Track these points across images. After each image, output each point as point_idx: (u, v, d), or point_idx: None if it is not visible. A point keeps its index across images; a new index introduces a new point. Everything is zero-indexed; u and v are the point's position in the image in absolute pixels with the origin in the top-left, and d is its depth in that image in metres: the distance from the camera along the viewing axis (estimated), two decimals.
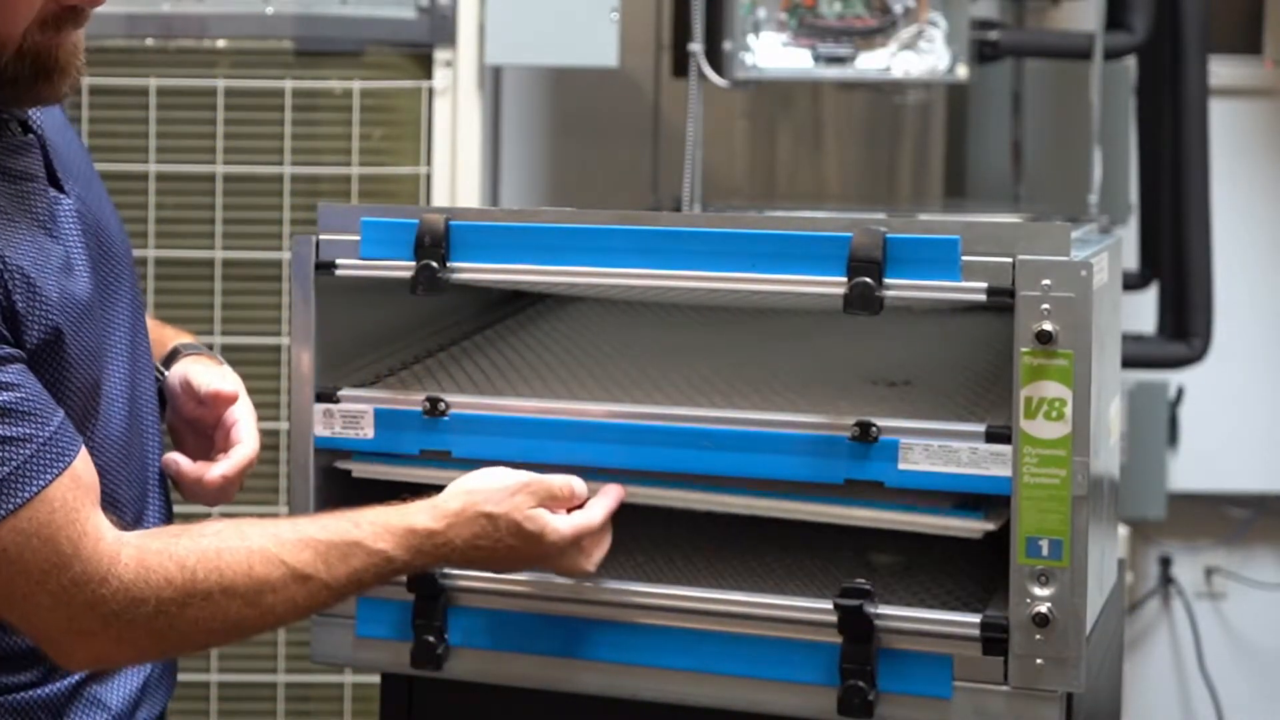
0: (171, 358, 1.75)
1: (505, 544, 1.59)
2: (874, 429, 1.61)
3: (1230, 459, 3.81)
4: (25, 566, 1.40)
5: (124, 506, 1.58)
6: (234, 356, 2.88)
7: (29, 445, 1.40)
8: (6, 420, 1.40)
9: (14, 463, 1.39)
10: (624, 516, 1.68)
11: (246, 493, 1.74)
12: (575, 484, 1.64)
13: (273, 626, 1.53)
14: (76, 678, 1.55)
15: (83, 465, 1.44)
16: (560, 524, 1.61)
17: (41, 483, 1.41)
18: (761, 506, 1.67)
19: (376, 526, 1.55)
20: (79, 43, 1.50)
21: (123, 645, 1.46)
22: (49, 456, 1.41)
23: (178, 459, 1.69)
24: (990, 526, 1.59)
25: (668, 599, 1.67)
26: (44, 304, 1.46)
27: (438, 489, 1.61)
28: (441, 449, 1.74)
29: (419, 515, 1.57)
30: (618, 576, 1.70)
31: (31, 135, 1.54)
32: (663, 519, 1.85)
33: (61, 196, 1.55)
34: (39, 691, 1.53)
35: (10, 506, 1.39)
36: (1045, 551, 1.55)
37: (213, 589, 1.47)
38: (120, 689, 1.59)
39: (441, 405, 1.74)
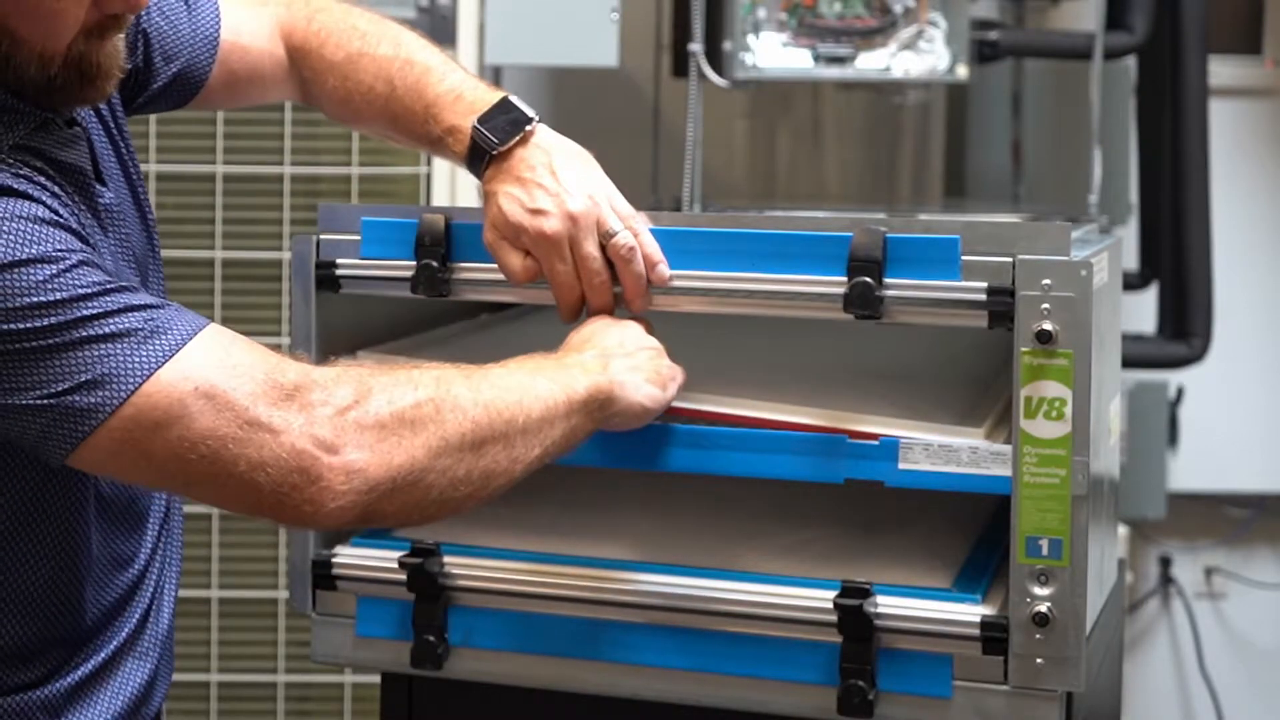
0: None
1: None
2: (874, 429, 1.61)
3: (1230, 459, 3.81)
4: (224, 398, 1.36)
5: (141, 516, 1.59)
6: None
7: (158, 312, 1.39)
8: (133, 296, 1.39)
9: (155, 322, 1.38)
10: (627, 485, 1.67)
11: None
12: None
13: (500, 420, 1.47)
14: (75, 678, 1.54)
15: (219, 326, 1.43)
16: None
17: (192, 329, 1.38)
18: (755, 593, 1.67)
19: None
20: (119, 45, 1.51)
21: (364, 449, 1.38)
22: (185, 317, 1.40)
23: None
24: (986, 611, 1.59)
25: (668, 599, 1.67)
26: None
27: None
28: None
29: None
30: (615, 579, 1.70)
31: (78, 128, 1.55)
32: (664, 489, 1.85)
33: (104, 190, 1.57)
34: (38, 692, 1.52)
35: (173, 345, 1.36)
36: (1045, 551, 1.56)
37: (411, 372, 1.45)
38: (118, 690, 1.59)
39: None
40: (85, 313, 1.36)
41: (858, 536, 1.78)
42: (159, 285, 1.67)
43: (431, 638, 1.73)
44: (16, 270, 1.35)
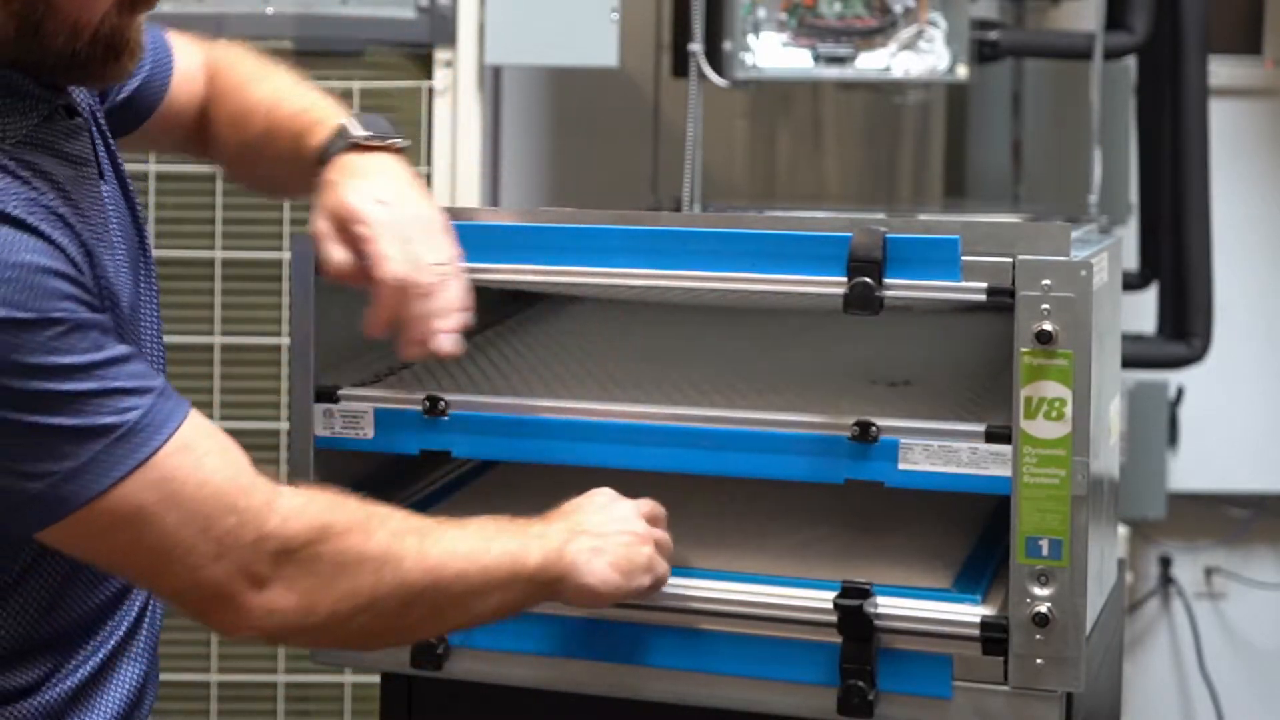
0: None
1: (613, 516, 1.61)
2: (874, 429, 1.61)
3: (1230, 459, 3.81)
4: (182, 517, 1.36)
5: None
6: (234, 356, 2.89)
7: (140, 406, 1.37)
8: (119, 376, 1.37)
9: (130, 420, 1.36)
10: (627, 485, 1.68)
11: None
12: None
13: (436, 588, 1.48)
14: (73, 683, 1.53)
15: (199, 416, 1.42)
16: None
17: (168, 430, 1.38)
18: (755, 594, 1.67)
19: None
20: (142, 22, 1.49)
21: (293, 592, 1.41)
22: (163, 413, 1.38)
23: None
24: (986, 611, 1.59)
25: (668, 599, 1.67)
26: (109, 292, 1.47)
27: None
28: (441, 449, 1.74)
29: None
30: None
31: (80, 119, 1.53)
32: (665, 489, 1.85)
33: (104, 184, 1.55)
34: (35, 699, 1.50)
35: (142, 455, 1.36)
36: (1045, 551, 1.55)
37: (370, 517, 1.46)
38: (115, 695, 1.57)
39: (441, 405, 1.74)
40: (71, 388, 1.34)
41: (858, 537, 1.79)
42: (150, 284, 1.64)
43: (431, 638, 1.72)
44: (13, 330, 1.32)
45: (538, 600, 1.57)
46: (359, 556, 1.44)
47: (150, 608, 1.64)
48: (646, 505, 1.65)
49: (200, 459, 1.39)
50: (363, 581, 1.44)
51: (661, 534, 1.64)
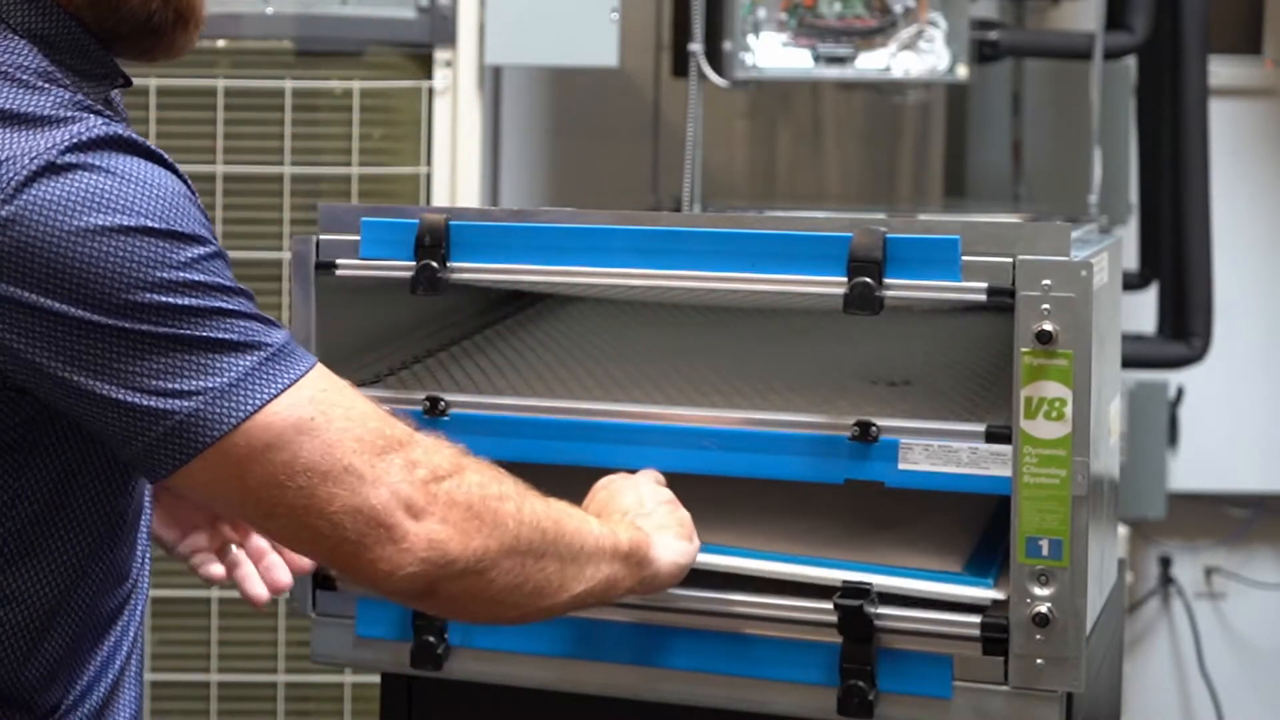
0: None
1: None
2: (874, 429, 1.61)
3: (1230, 459, 3.81)
4: (336, 433, 1.32)
5: (135, 526, 1.55)
6: None
7: (283, 333, 1.35)
8: (254, 309, 1.35)
9: (278, 341, 1.34)
10: None
11: None
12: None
13: (563, 538, 1.45)
14: (87, 710, 1.48)
15: None
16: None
17: (311, 361, 1.35)
18: (766, 570, 1.66)
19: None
20: None
21: (448, 524, 1.36)
22: (302, 350, 1.36)
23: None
24: (998, 595, 1.59)
25: (667, 599, 1.67)
26: None
27: None
28: None
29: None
30: None
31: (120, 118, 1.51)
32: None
33: None
34: None
35: (296, 372, 1.32)
36: (1045, 551, 1.55)
37: (501, 470, 1.44)
38: (123, 714, 1.55)
39: (441, 405, 1.74)
40: (223, 305, 1.31)
41: (864, 528, 1.78)
42: None
43: (431, 638, 1.73)
44: (167, 240, 1.29)
45: (632, 584, 1.54)
46: (498, 490, 1.41)
47: (140, 623, 1.60)
48: (650, 473, 1.66)
49: (343, 388, 1.36)
50: (506, 513, 1.40)
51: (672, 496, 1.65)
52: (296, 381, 1.33)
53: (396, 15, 2.90)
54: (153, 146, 1.36)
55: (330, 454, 1.32)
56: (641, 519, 1.58)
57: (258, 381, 1.31)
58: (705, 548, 1.66)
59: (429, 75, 2.90)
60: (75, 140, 1.30)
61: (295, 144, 2.90)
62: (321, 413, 1.33)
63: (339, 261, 1.75)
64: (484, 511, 1.39)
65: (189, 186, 1.37)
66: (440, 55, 2.90)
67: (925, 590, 1.60)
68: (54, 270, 1.27)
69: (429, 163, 2.90)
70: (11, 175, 1.28)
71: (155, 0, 1.42)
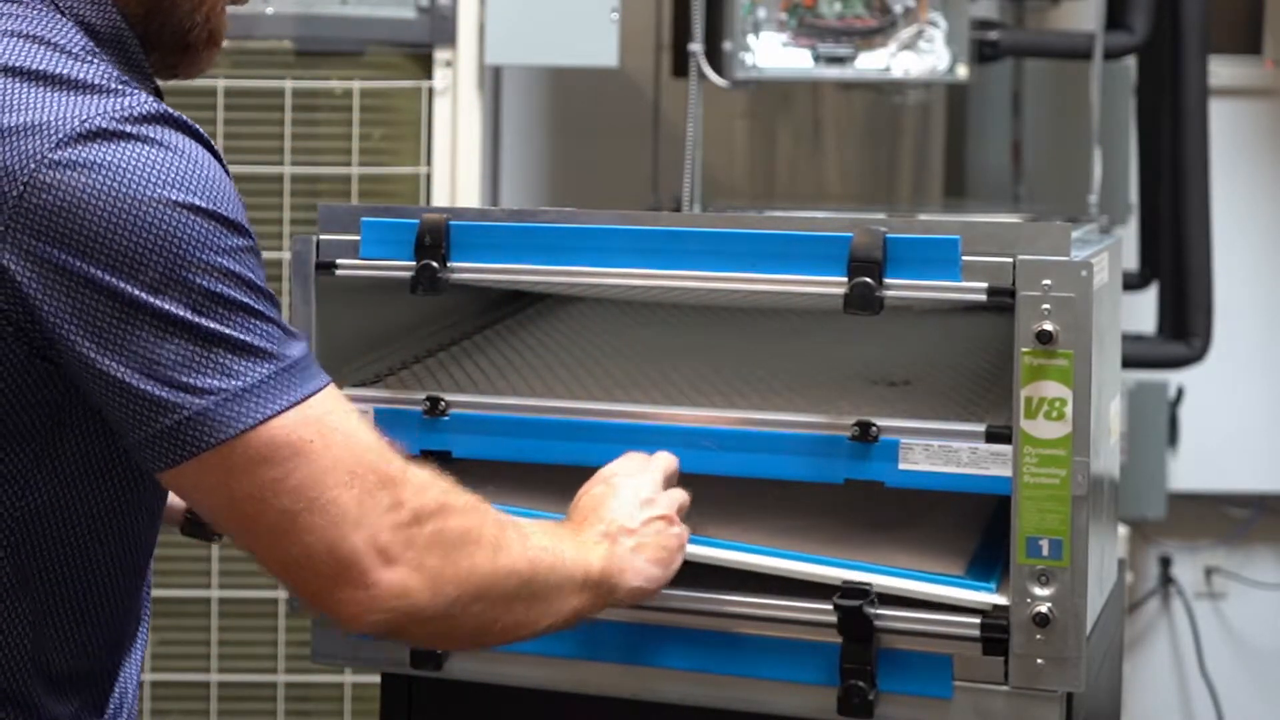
0: None
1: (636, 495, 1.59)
2: (874, 429, 1.61)
3: (1230, 459, 3.81)
4: (330, 462, 1.30)
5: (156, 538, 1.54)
6: None
7: (302, 346, 1.33)
8: (278, 316, 1.33)
9: (295, 354, 1.32)
10: None
11: None
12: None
13: (536, 576, 1.45)
14: None
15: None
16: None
17: (324, 380, 1.33)
18: (767, 565, 1.66)
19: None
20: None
21: (420, 572, 1.34)
22: (318, 366, 1.35)
23: None
24: (1000, 600, 1.59)
25: (668, 599, 1.67)
26: None
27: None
28: (441, 449, 1.74)
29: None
30: None
31: None
32: None
33: None
34: None
35: (306, 390, 1.30)
36: (1045, 551, 1.55)
37: (480, 502, 1.42)
38: None
39: (441, 405, 1.74)
40: (253, 304, 1.29)
41: (863, 529, 1.78)
42: None
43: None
44: (214, 222, 1.28)
45: (599, 608, 1.54)
46: (478, 536, 1.40)
47: (144, 639, 1.58)
48: (663, 464, 1.65)
49: (349, 413, 1.34)
50: (480, 562, 1.40)
51: (680, 496, 1.64)
52: (305, 400, 1.31)
53: (396, 15, 2.91)
54: (203, 132, 1.35)
55: (319, 482, 1.31)
56: (625, 536, 1.57)
57: (269, 392, 1.29)
58: (706, 540, 1.66)
59: (429, 75, 2.90)
60: (128, 112, 1.29)
61: (295, 144, 2.90)
62: (321, 436, 1.31)
63: (339, 261, 1.75)
64: (460, 559, 1.38)
65: (232, 180, 1.36)
66: (440, 55, 2.90)
67: (928, 593, 1.60)
68: (94, 235, 1.25)
69: (429, 163, 2.90)
70: (60, 136, 1.26)
71: (199, 14, 1.44)
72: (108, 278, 1.26)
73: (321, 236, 1.76)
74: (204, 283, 1.27)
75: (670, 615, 1.67)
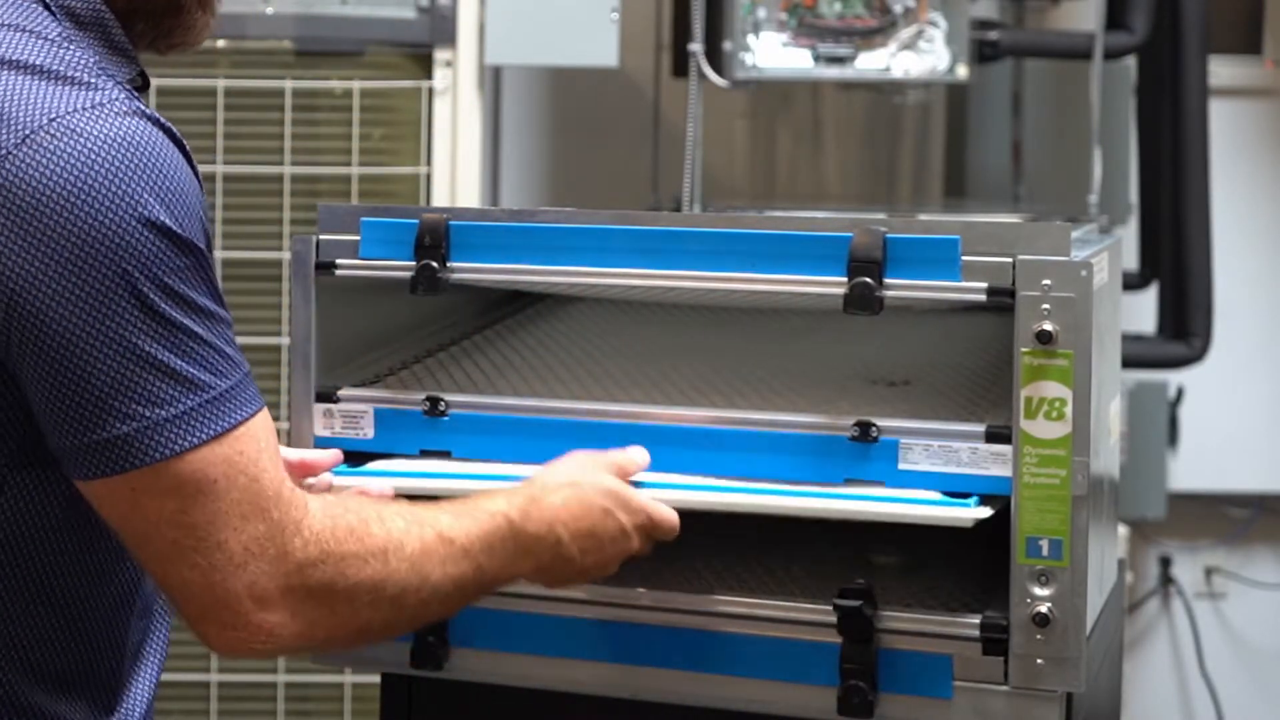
0: None
1: (596, 505, 1.56)
2: (874, 429, 1.61)
3: (1230, 459, 3.81)
4: (227, 505, 1.31)
5: None
6: None
7: (235, 374, 1.33)
8: (223, 338, 1.34)
9: (224, 386, 1.32)
10: None
11: None
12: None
13: (427, 608, 1.45)
14: None
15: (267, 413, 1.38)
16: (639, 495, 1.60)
17: (248, 411, 1.33)
18: (749, 504, 1.65)
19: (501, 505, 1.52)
20: None
21: (297, 620, 1.36)
22: (249, 391, 1.34)
23: None
24: (984, 513, 1.58)
25: (668, 600, 1.67)
26: None
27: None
28: (441, 449, 1.74)
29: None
30: (617, 580, 1.70)
31: None
32: None
33: None
34: None
35: (224, 425, 1.31)
36: (1045, 551, 1.55)
37: (386, 545, 1.40)
38: None
39: (441, 405, 1.74)
40: (194, 327, 1.30)
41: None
42: None
43: (431, 638, 1.72)
44: (166, 240, 1.28)
45: (519, 567, 1.52)
46: (371, 590, 1.40)
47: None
48: (615, 464, 1.62)
49: (260, 453, 1.34)
50: (361, 606, 1.40)
51: (644, 515, 1.60)
52: (223, 435, 1.31)
53: (396, 15, 2.90)
54: (172, 127, 1.34)
55: (212, 523, 1.32)
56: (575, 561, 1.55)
57: (189, 424, 1.30)
58: (679, 486, 1.64)
59: (429, 75, 2.90)
60: (97, 107, 1.29)
61: (295, 144, 2.90)
62: (226, 477, 1.32)
63: (339, 261, 1.75)
64: (341, 609, 1.38)
65: (199, 180, 1.36)
66: (440, 55, 2.90)
67: (908, 515, 1.57)
68: (46, 235, 1.26)
69: (429, 163, 2.90)
70: (25, 131, 1.27)
71: None
72: (54, 282, 1.27)
73: (321, 236, 1.76)
74: (147, 303, 1.28)
75: (670, 616, 1.67)
